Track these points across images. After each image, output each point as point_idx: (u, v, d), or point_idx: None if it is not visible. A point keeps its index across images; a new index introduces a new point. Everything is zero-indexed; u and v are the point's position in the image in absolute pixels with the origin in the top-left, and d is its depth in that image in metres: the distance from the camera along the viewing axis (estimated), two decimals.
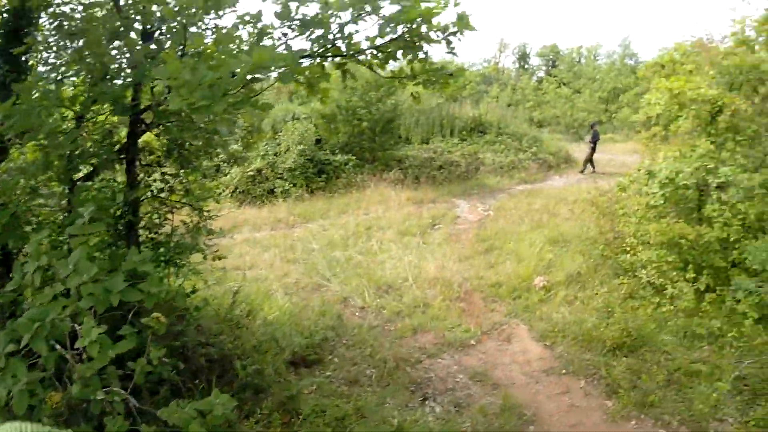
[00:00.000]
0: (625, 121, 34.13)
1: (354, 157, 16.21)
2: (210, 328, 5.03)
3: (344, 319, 6.86)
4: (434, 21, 3.28)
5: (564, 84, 38.79)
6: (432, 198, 14.22)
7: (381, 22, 3.29)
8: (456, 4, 3.30)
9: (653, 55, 41.17)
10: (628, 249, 7.46)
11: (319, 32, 3.34)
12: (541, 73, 46.71)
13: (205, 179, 5.96)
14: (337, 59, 3.62)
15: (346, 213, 12.73)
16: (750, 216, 5.91)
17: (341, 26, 3.36)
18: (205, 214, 5.20)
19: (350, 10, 3.28)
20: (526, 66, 48.40)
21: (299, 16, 3.33)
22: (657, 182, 6.44)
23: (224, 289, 6.87)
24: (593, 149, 18.40)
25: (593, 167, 18.44)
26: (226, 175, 15.46)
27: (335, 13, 3.29)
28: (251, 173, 15.32)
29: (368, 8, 3.24)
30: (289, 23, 3.34)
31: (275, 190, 14.95)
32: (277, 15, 3.30)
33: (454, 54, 3.57)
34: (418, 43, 3.41)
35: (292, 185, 14.97)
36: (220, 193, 14.82)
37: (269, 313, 6.57)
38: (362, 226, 10.99)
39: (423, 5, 3.16)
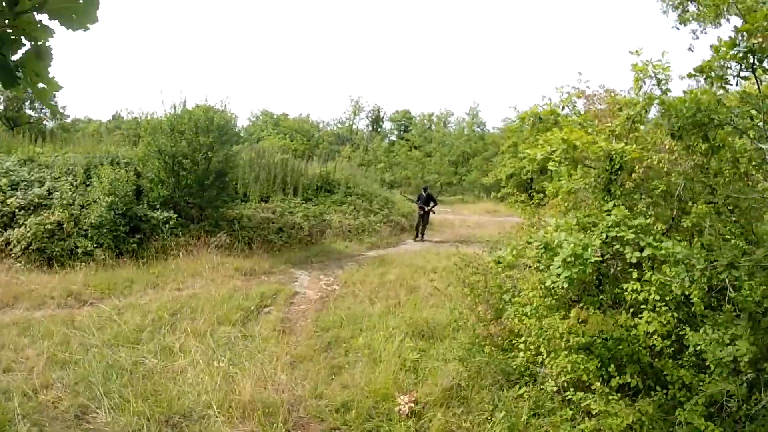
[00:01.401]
0: (474, 183, 36.01)
1: (176, 215, 13.78)
2: None
3: None
4: None
5: (415, 147, 40.05)
6: (266, 268, 12.38)
7: None
8: None
9: (498, 124, 44.59)
10: (522, 347, 5.79)
11: None
12: (393, 137, 48.27)
13: None
14: None
15: (156, 288, 10.46)
16: (694, 297, 4.52)
17: None
18: None
19: None
20: (379, 129, 49.61)
21: None
22: (559, 260, 4.67)
23: None
24: (423, 214, 18.05)
25: (421, 234, 18.05)
26: (20, 226, 12.45)
27: None
28: (50, 226, 12.48)
29: None
30: None
31: (78, 249, 12.28)
32: None
33: None
34: None
35: (96, 246, 12.38)
36: None
37: None
38: (168, 310, 8.80)
39: None
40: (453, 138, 41.36)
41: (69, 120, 31.83)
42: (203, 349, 7.18)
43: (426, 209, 17.98)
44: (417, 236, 17.94)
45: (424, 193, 18.40)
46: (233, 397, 5.85)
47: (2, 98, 28.95)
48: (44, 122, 30.15)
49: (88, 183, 13.96)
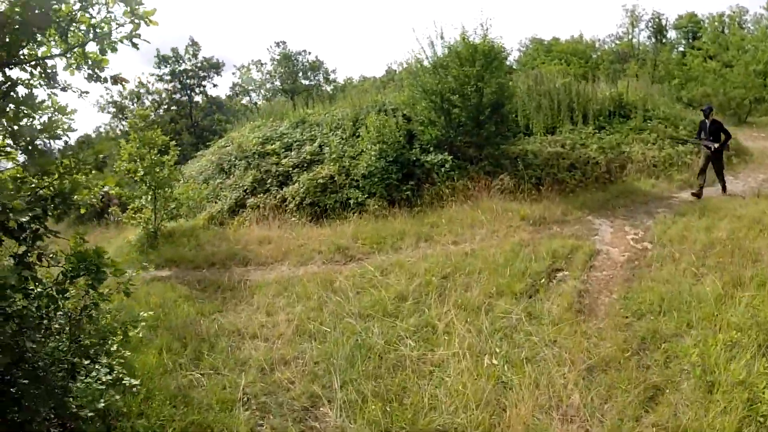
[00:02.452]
0: None
1: (451, 157, 12.16)
2: None
3: None
4: None
5: (710, 57, 32.31)
6: (557, 215, 9.95)
7: None
8: None
9: None
10: None
11: None
12: (681, 47, 40.32)
13: None
14: None
15: (428, 241, 8.99)
16: None
17: None
18: None
19: None
20: (663, 40, 41.85)
21: None
22: None
23: None
24: (713, 154, 10.91)
25: (721, 185, 11.30)
26: (294, 183, 12.36)
27: None
28: (322, 180, 12.05)
29: None
30: None
31: (349, 201, 11.55)
32: None
33: None
34: None
35: (368, 196, 11.46)
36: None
37: None
38: (438, 272, 7.16)
39: None
40: (755, 41, 31.87)
41: (341, 82, 33.05)
42: (473, 334, 5.38)
43: (715, 147, 10.82)
44: (700, 187, 10.89)
45: (707, 120, 11.10)
46: (501, 427, 4.02)
47: (278, 74, 31.15)
48: (321, 87, 31.73)
49: (356, 134, 13.39)
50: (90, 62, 4.03)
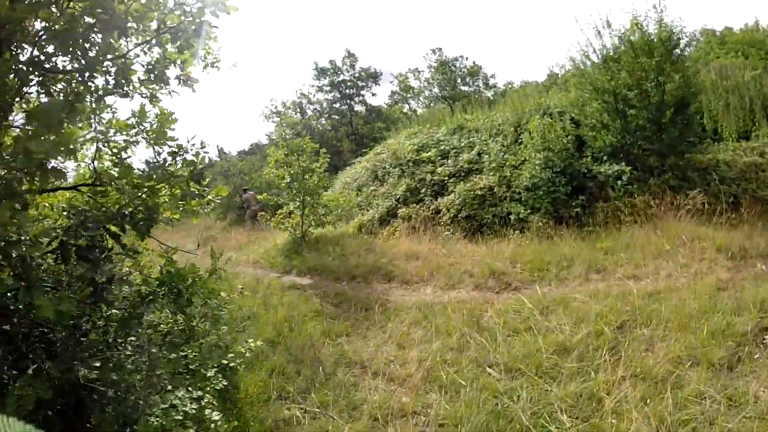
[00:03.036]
0: None
1: (630, 168, 10.14)
2: None
3: None
4: None
5: None
6: (763, 248, 7.62)
7: None
8: None
9: None
10: None
11: None
12: None
13: None
14: None
15: (601, 272, 7.37)
16: None
17: None
18: None
19: None
20: None
21: None
22: None
23: None
24: None
25: None
26: (450, 194, 11.40)
27: None
28: (480, 191, 10.90)
29: None
30: None
31: (510, 217, 10.23)
32: None
33: None
34: None
35: (530, 211, 10.02)
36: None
37: None
38: (612, 318, 5.57)
39: None
40: None
41: (501, 87, 31.39)
42: (651, 423, 3.79)
43: None
44: None
45: None
46: None
47: (436, 83, 30.58)
48: (480, 93, 30.47)
49: (519, 141, 12.01)
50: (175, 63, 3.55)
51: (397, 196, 12.40)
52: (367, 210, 12.68)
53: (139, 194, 3.23)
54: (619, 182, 9.99)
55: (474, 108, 17.67)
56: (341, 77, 30.90)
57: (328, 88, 31.25)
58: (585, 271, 7.36)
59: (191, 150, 3.44)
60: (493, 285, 7.42)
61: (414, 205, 11.92)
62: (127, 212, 3.13)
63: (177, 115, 3.57)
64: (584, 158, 10.79)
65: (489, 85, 30.64)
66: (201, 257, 5.08)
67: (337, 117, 31.28)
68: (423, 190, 12.16)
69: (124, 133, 3.53)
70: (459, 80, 29.84)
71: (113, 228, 3.11)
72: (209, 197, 3.69)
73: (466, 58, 30.62)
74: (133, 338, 3.39)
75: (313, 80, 34.62)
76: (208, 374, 4.01)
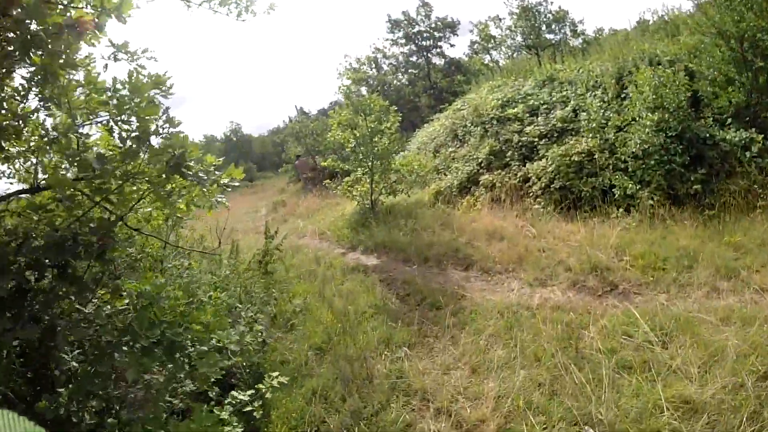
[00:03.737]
0: None
1: (762, 136, 7.93)
2: None
3: None
4: None
5: None
6: None
7: None
8: None
9: None
10: None
11: None
12: None
13: None
14: None
15: (732, 279, 5.56)
16: None
17: None
18: None
19: None
20: None
21: None
22: None
23: None
24: None
25: None
26: (541, 159, 9.83)
27: None
28: (577, 157, 9.26)
29: None
30: None
31: (613, 190, 8.56)
32: None
33: None
34: None
35: (640, 186, 8.27)
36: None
37: None
38: (757, 362, 3.79)
39: None
40: None
41: (591, 34, 28.44)
42: None
43: None
44: None
45: None
46: None
47: (518, 30, 28.32)
48: (568, 41, 27.65)
49: (623, 95, 10.01)
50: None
51: (479, 160, 10.99)
52: (445, 174, 11.38)
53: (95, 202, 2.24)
54: (747, 153, 7.88)
55: (565, 57, 15.57)
56: (416, 29, 29.56)
57: (403, 41, 29.98)
58: (711, 276, 5.65)
59: (162, 131, 2.41)
60: (595, 285, 5.97)
61: (498, 171, 10.48)
62: (69, 235, 2.17)
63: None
64: (702, 120, 8.77)
65: (577, 32, 27.85)
66: (254, 235, 4.10)
67: (414, 71, 30.02)
68: (509, 154, 10.65)
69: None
70: (544, 27, 27.35)
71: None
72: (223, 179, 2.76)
73: (551, 2, 27.92)
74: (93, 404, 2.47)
75: (387, 33, 33.28)
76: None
